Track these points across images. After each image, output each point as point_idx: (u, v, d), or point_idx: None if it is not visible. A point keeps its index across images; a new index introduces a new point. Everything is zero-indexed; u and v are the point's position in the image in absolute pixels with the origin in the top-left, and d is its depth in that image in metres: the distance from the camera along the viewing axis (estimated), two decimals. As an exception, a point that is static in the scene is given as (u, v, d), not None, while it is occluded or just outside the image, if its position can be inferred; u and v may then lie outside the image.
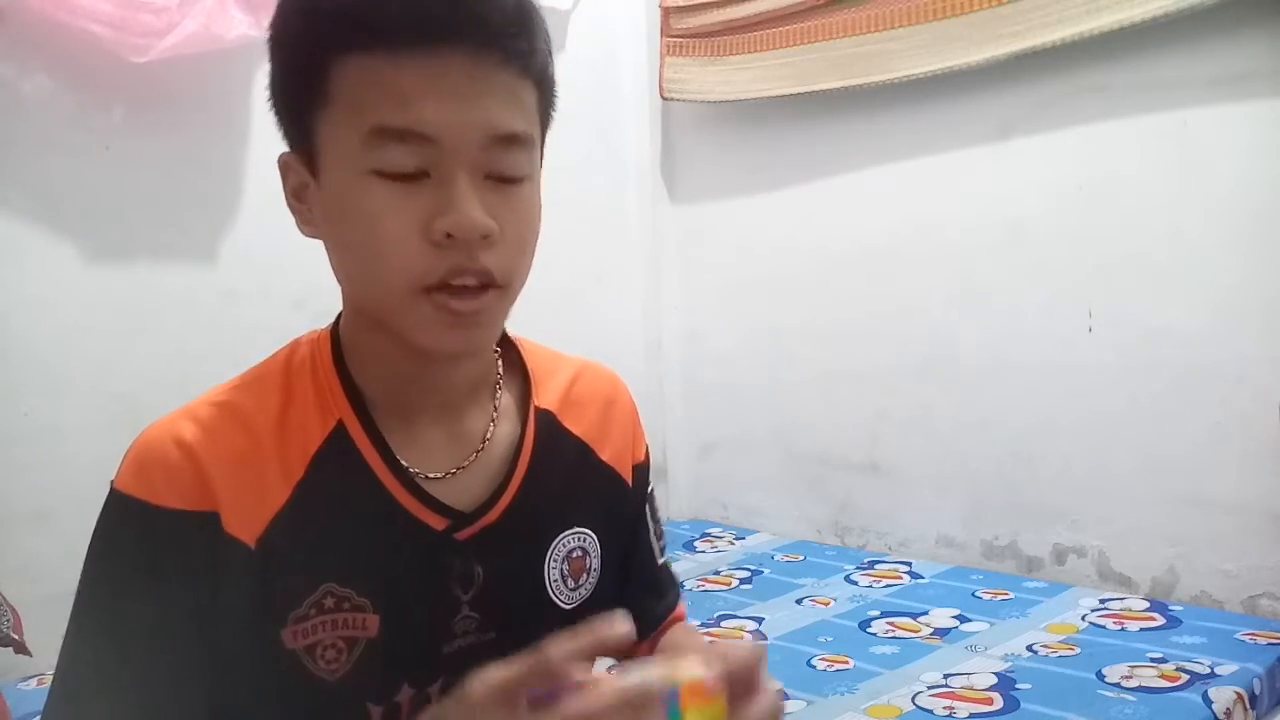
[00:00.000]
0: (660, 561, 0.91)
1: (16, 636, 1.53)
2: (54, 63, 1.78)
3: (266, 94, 0.72)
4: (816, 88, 2.35)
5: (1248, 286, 1.86)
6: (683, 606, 0.94)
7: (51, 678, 0.67)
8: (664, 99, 2.67)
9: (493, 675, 0.57)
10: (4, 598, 1.55)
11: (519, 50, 0.66)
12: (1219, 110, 1.88)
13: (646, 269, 2.79)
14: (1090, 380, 2.06)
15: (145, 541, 0.66)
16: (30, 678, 1.69)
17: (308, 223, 0.72)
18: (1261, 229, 1.84)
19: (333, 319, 0.77)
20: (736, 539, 2.49)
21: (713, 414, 2.75)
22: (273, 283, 2.01)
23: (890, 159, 2.35)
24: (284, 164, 0.72)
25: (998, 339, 2.19)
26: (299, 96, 0.67)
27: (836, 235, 2.46)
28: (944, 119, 2.23)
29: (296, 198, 0.72)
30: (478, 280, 0.66)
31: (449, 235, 0.64)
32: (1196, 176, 1.91)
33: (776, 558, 2.32)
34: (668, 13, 2.63)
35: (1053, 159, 2.10)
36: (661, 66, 2.64)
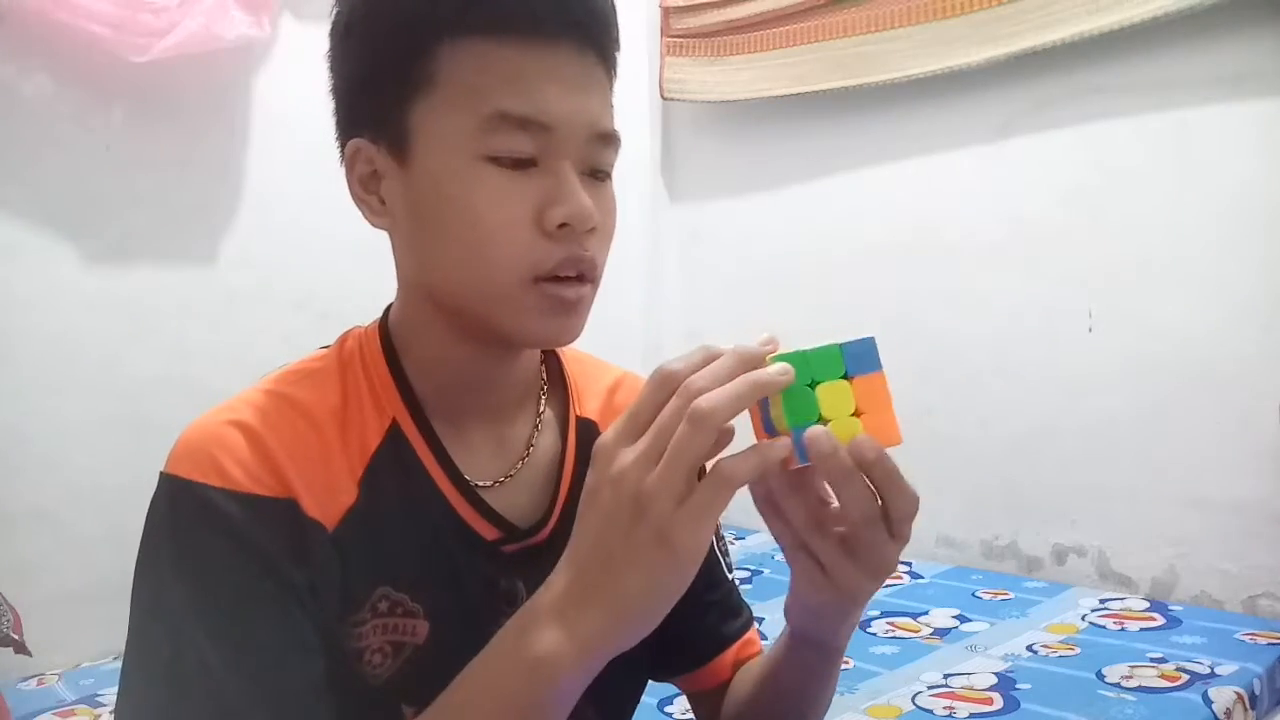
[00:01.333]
0: (730, 578, 0.87)
1: (16, 636, 1.53)
2: (54, 63, 1.78)
3: (329, 82, 0.69)
4: (816, 88, 2.35)
5: (1247, 286, 1.86)
6: (756, 634, 0.87)
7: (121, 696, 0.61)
8: (664, 99, 2.67)
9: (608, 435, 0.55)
10: (4, 598, 1.55)
11: (611, 53, 0.68)
12: (1219, 110, 1.88)
13: (646, 269, 2.79)
14: (1090, 380, 2.06)
15: (229, 529, 0.61)
16: (30, 678, 1.69)
17: (379, 214, 0.69)
18: (1261, 229, 1.85)
19: (378, 315, 0.75)
20: (736, 539, 2.49)
21: (713, 414, 2.75)
22: (273, 283, 2.01)
23: (890, 159, 2.35)
24: (354, 151, 0.68)
25: (998, 339, 2.19)
26: (390, 80, 0.65)
27: (836, 235, 2.46)
28: (944, 119, 2.23)
29: (364, 187, 0.69)
30: (579, 271, 0.66)
31: (562, 225, 0.63)
32: (1196, 176, 1.91)
33: (776, 558, 2.31)
34: (668, 13, 2.63)
35: (1053, 159, 2.10)
36: (661, 66, 2.64)
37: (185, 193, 1.95)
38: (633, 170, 2.77)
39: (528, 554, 0.72)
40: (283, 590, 0.61)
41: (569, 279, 0.65)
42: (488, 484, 0.72)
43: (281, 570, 0.62)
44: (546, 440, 0.77)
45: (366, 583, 0.66)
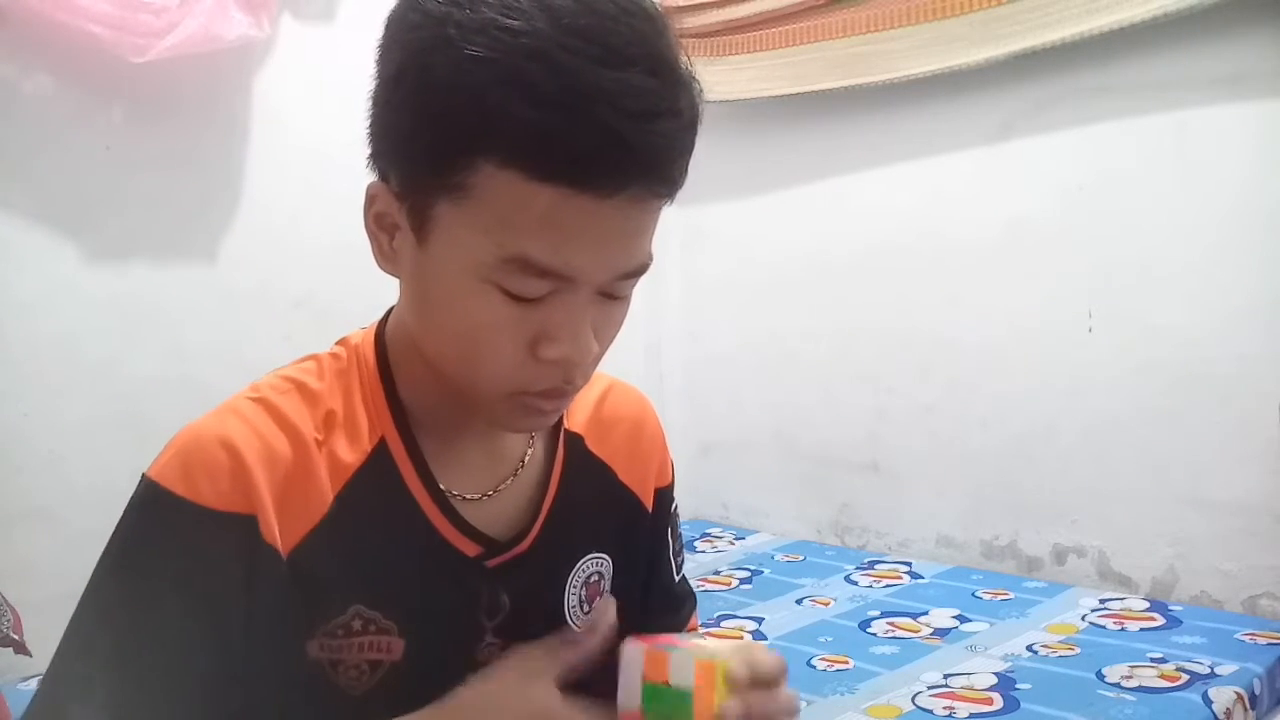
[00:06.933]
0: (677, 578, 0.90)
1: (16, 637, 1.52)
2: (54, 63, 1.78)
3: (369, 107, 0.64)
4: (816, 88, 2.35)
5: (1248, 286, 1.86)
6: (695, 618, 0.94)
7: (50, 664, 0.65)
8: (664, 99, 2.67)
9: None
10: (4, 598, 1.55)
11: (677, 189, 0.63)
12: (1219, 110, 1.88)
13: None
14: (1090, 380, 2.06)
15: (181, 538, 0.63)
16: (30, 678, 1.69)
17: (389, 260, 0.66)
18: (1261, 228, 1.85)
19: (377, 315, 0.75)
20: (736, 539, 2.49)
21: (713, 414, 2.75)
22: (273, 283, 2.01)
23: (890, 159, 2.35)
24: (375, 193, 0.64)
25: (998, 339, 2.19)
26: (425, 166, 0.60)
27: (836, 235, 2.46)
28: (944, 119, 2.23)
29: (378, 224, 0.65)
30: (564, 391, 0.66)
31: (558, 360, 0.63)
32: (1196, 176, 1.91)
33: (776, 558, 2.32)
34: (668, 13, 2.63)
35: (1053, 159, 2.10)
36: (661, 66, 2.64)
37: (185, 193, 1.95)
38: (633, 170, 2.77)
39: (512, 563, 0.74)
40: (212, 606, 0.63)
41: (553, 392, 0.65)
42: (476, 497, 0.73)
43: (219, 582, 0.63)
44: (539, 451, 0.78)
45: (335, 601, 0.67)
